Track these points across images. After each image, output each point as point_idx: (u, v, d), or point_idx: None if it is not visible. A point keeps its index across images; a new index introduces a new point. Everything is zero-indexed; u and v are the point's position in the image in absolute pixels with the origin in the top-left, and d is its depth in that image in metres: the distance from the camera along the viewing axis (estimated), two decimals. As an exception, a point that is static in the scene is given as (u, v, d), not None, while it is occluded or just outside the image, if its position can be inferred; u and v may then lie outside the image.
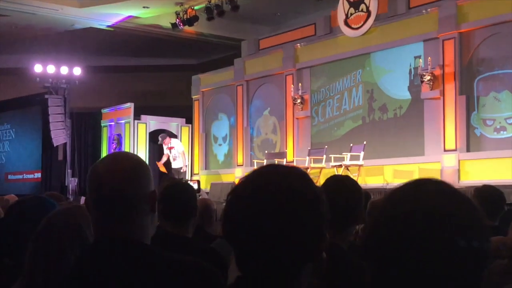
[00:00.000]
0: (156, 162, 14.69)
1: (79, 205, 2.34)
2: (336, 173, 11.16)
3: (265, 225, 1.19)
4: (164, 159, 14.74)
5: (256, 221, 1.19)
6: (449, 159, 10.81)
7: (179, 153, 14.58)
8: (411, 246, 1.00)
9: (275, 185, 1.23)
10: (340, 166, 11.20)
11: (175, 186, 3.33)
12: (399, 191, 1.09)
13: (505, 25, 10.36)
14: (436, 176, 10.76)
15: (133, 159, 1.69)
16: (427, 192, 1.06)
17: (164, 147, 14.74)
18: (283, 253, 1.20)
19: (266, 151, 13.76)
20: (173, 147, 14.64)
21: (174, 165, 14.59)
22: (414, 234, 1.00)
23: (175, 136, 16.28)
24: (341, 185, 2.55)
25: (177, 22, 14.47)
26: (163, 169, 14.67)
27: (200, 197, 9.06)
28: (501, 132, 10.39)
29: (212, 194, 11.91)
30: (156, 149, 17.05)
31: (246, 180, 1.28)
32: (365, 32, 12.32)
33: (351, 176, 10.93)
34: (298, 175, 1.28)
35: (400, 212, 1.04)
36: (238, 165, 15.20)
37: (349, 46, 12.73)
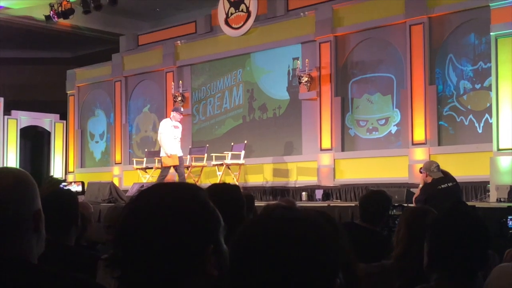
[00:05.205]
0: (167, 156, 10.43)
1: None
2: (218, 173, 11.22)
3: (154, 239, 1.24)
4: (169, 145, 10.44)
5: (145, 236, 1.24)
6: (325, 158, 11.23)
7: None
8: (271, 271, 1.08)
9: (161, 202, 1.28)
10: (222, 165, 11.25)
11: (54, 195, 3.19)
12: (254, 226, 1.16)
13: (377, 30, 10.91)
14: (313, 174, 11.19)
15: (16, 175, 1.60)
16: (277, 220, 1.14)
17: (168, 125, 10.64)
18: (169, 266, 1.24)
19: (146, 149, 13.53)
20: (178, 127, 10.85)
21: (178, 151, 10.68)
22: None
23: None
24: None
25: (51, 15, 13.83)
26: (174, 161, 10.54)
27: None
28: (373, 132, 10.94)
29: (89, 194, 11.47)
30: (28, 147, 16.20)
31: (138, 197, 1.33)
32: (245, 32, 12.48)
33: (232, 176, 11.00)
34: (188, 191, 1.32)
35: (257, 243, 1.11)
36: (116, 163, 14.84)
37: (229, 45, 12.83)
